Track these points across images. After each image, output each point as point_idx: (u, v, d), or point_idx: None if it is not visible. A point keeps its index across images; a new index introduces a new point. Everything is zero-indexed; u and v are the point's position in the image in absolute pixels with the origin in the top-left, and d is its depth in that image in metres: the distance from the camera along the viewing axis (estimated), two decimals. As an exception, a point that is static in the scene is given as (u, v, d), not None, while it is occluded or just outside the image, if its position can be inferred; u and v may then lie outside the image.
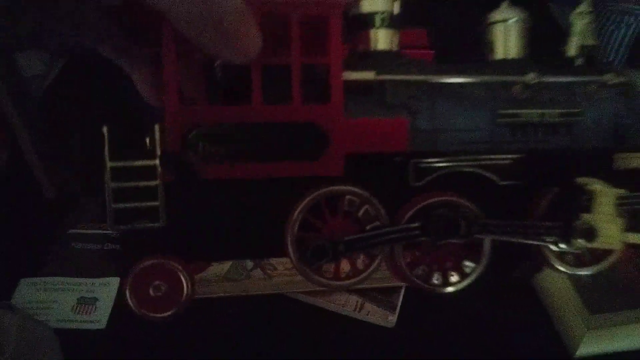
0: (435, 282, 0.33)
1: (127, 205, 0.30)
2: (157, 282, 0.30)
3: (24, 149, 0.30)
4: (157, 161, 0.30)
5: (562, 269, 0.33)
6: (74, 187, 0.34)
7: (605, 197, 0.30)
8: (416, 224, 0.31)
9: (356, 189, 0.31)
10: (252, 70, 0.30)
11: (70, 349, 0.52)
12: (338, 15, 0.30)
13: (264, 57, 0.30)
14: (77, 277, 0.62)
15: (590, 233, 0.30)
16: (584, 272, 0.33)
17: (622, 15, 0.84)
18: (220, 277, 0.60)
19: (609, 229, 0.30)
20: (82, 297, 0.60)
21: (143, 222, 0.30)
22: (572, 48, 0.37)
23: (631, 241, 0.31)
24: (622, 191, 0.31)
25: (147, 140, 0.30)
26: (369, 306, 0.58)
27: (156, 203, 0.30)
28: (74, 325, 0.57)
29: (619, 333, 0.54)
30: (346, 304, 0.58)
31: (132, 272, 0.29)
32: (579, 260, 0.33)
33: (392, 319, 0.57)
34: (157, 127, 0.30)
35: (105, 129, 0.30)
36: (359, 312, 0.58)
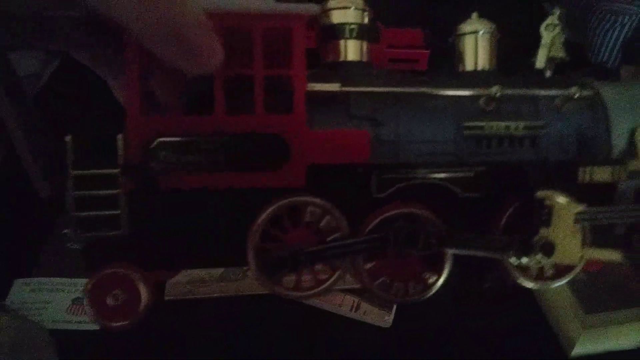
0: (396, 292, 0.33)
1: (89, 213, 0.30)
2: (115, 291, 0.30)
3: (18, 149, 0.31)
4: (118, 170, 0.30)
5: (523, 282, 0.33)
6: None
7: (564, 212, 0.30)
8: (376, 236, 0.31)
9: (317, 200, 0.31)
10: (214, 82, 0.30)
11: (66, 349, 0.52)
12: (301, 28, 0.31)
13: (227, 69, 0.30)
14: (72, 277, 0.61)
15: (548, 248, 0.30)
16: (545, 286, 0.33)
17: (616, 15, 0.84)
18: (216, 277, 0.60)
19: (567, 244, 0.30)
20: (77, 298, 0.60)
21: (105, 230, 0.30)
22: (540, 60, 0.38)
23: (592, 257, 0.31)
24: (581, 207, 0.31)
25: (110, 149, 0.31)
26: (365, 306, 0.58)
27: (117, 212, 0.30)
28: (69, 326, 0.57)
29: (614, 332, 0.53)
30: (342, 304, 0.58)
31: (90, 281, 0.30)
32: (542, 273, 0.33)
33: (388, 319, 0.57)
34: (120, 136, 0.30)
35: (68, 138, 0.30)
36: (355, 312, 0.58)
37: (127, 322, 0.30)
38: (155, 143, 0.30)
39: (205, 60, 0.27)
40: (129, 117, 0.29)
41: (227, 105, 0.30)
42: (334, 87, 0.33)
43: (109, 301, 0.30)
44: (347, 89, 0.33)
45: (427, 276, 0.33)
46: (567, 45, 0.38)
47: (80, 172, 0.30)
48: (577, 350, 0.54)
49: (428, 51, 0.57)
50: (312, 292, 0.32)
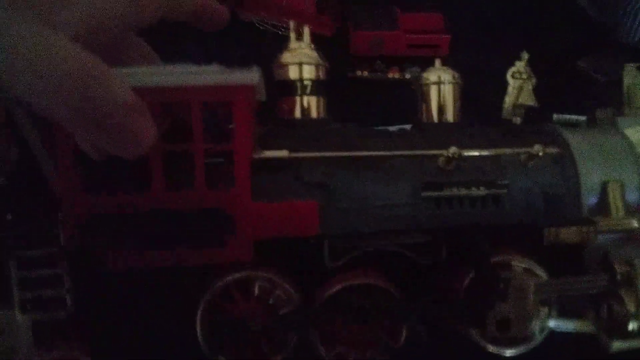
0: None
1: (33, 294, 0.30)
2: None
3: (32, 147, 0.30)
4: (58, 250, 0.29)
5: (485, 346, 0.32)
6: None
7: (523, 284, 0.29)
8: (324, 311, 0.30)
9: (264, 274, 0.31)
10: (150, 158, 0.29)
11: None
12: (243, 100, 0.29)
13: (164, 144, 0.29)
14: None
15: (504, 324, 0.29)
16: (506, 352, 0.32)
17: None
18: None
19: (524, 319, 0.29)
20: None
21: (50, 310, 0.30)
22: (507, 109, 0.36)
23: (559, 329, 0.30)
24: (540, 279, 0.30)
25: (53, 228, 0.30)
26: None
27: (62, 292, 0.30)
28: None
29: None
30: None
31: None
32: (502, 340, 0.32)
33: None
34: (60, 215, 0.29)
35: (8, 217, 0.30)
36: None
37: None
38: (93, 222, 0.29)
39: (136, 144, 0.26)
40: (64, 195, 0.29)
41: (168, 177, 0.29)
42: (282, 154, 0.31)
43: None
44: (295, 155, 0.31)
45: (386, 342, 0.32)
46: (537, 90, 0.36)
47: (22, 252, 0.30)
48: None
49: (449, 36, 0.55)
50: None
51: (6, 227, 0.30)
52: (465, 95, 0.36)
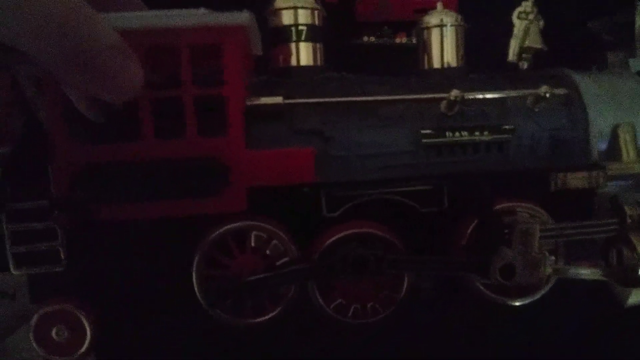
0: (354, 314, 0.31)
1: (26, 248, 0.29)
2: (58, 327, 0.29)
3: (33, 108, 0.30)
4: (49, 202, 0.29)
5: (489, 297, 0.31)
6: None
7: (527, 230, 0.28)
8: (324, 262, 0.29)
9: (261, 224, 0.30)
10: (139, 105, 0.28)
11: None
12: (233, 42, 0.28)
13: (153, 90, 0.28)
14: None
15: (509, 270, 0.28)
16: (511, 302, 0.31)
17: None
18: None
19: (529, 266, 0.28)
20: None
21: (44, 265, 0.29)
22: (513, 52, 0.34)
23: (565, 276, 0.29)
24: (545, 223, 0.29)
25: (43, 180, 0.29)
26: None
27: (56, 246, 0.29)
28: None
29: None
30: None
31: (34, 319, 0.29)
32: (507, 290, 0.31)
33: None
34: (50, 167, 0.29)
35: None
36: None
37: (76, 356, 0.30)
38: (83, 173, 0.28)
39: (122, 86, 0.25)
40: (53, 146, 0.28)
41: (158, 127, 0.28)
42: (276, 100, 0.30)
43: (55, 337, 0.29)
44: (290, 101, 0.30)
45: (387, 294, 0.31)
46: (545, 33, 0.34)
47: (12, 205, 0.29)
48: (633, 299, 0.50)
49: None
50: (264, 318, 0.31)
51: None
52: (469, 39, 0.35)
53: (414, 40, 0.52)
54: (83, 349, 0.30)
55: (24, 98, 0.31)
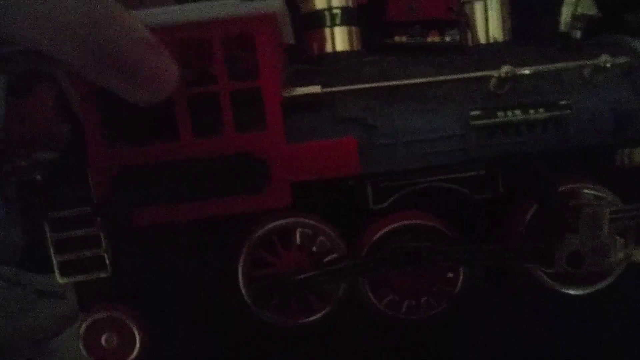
0: (408, 310, 0.30)
1: (71, 256, 0.29)
2: (107, 334, 0.29)
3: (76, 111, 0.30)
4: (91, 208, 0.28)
5: (554, 287, 0.29)
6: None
7: (595, 213, 0.26)
8: (373, 257, 0.28)
9: (305, 220, 0.28)
10: (175, 104, 0.27)
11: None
12: (266, 31, 0.27)
13: (188, 87, 0.27)
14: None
15: (576, 258, 0.26)
16: (577, 291, 0.29)
17: None
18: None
19: (599, 252, 0.25)
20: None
21: (90, 272, 0.29)
22: (565, 20, 0.32)
23: (631, 261, 0.26)
24: (614, 204, 0.26)
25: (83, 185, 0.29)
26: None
27: (100, 252, 0.29)
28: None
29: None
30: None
31: (83, 327, 0.29)
32: (572, 278, 0.29)
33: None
34: (89, 172, 0.28)
35: (38, 177, 0.29)
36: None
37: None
38: (122, 176, 0.28)
39: (157, 85, 0.24)
40: (91, 150, 0.27)
41: (197, 126, 0.27)
42: (314, 89, 0.29)
43: (104, 344, 0.29)
44: (329, 89, 0.29)
45: (442, 288, 0.29)
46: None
47: (55, 213, 0.29)
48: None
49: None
50: (315, 317, 0.29)
51: (36, 188, 0.29)
52: (515, 11, 0.32)
53: (447, 39, 0.50)
54: (133, 356, 0.29)
55: (69, 104, 0.30)
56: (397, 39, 0.50)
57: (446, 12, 0.50)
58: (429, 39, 0.50)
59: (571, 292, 0.29)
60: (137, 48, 0.23)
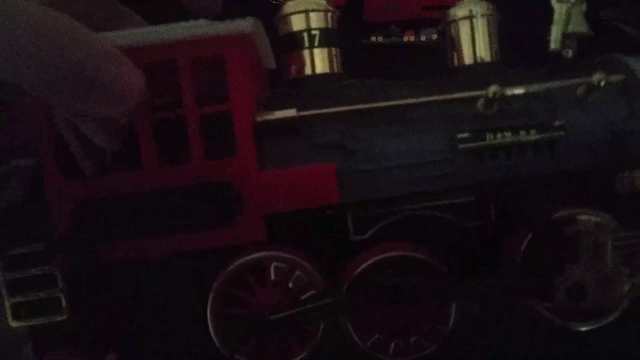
0: (395, 350, 0.27)
1: (24, 297, 0.26)
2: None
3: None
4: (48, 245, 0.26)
5: (554, 321, 0.27)
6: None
7: (596, 241, 0.23)
8: (355, 294, 0.25)
9: (280, 254, 0.26)
10: (139, 129, 0.25)
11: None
12: (236, 53, 0.25)
13: (152, 112, 0.25)
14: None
15: (578, 291, 0.23)
16: (580, 327, 0.26)
17: None
18: None
19: (602, 284, 0.23)
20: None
21: (45, 315, 0.26)
22: (555, 39, 0.30)
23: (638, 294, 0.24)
24: (617, 232, 0.24)
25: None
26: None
27: (55, 293, 0.26)
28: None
29: None
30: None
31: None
32: (574, 312, 0.26)
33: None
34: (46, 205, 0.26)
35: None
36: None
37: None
38: (83, 210, 0.25)
39: (121, 95, 0.22)
40: (48, 182, 0.25)
41: (161, 154, 0.25)
42: (289, 113, 0.27)
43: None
44: (305, 113, 0.27)
45: (432, 326, 0.27)
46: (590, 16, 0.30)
47: (9, 251, 0.26)
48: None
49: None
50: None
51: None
52: (503, 30, 0.31)
53: (422, 38, 0.49)
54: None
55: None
56: (373, 39, 0.50)
57: (423, 12, 0.49)
58: (405, 38, 0.50)
59: (574, 328, 0.26)
60: (95, 58, 0.22)
